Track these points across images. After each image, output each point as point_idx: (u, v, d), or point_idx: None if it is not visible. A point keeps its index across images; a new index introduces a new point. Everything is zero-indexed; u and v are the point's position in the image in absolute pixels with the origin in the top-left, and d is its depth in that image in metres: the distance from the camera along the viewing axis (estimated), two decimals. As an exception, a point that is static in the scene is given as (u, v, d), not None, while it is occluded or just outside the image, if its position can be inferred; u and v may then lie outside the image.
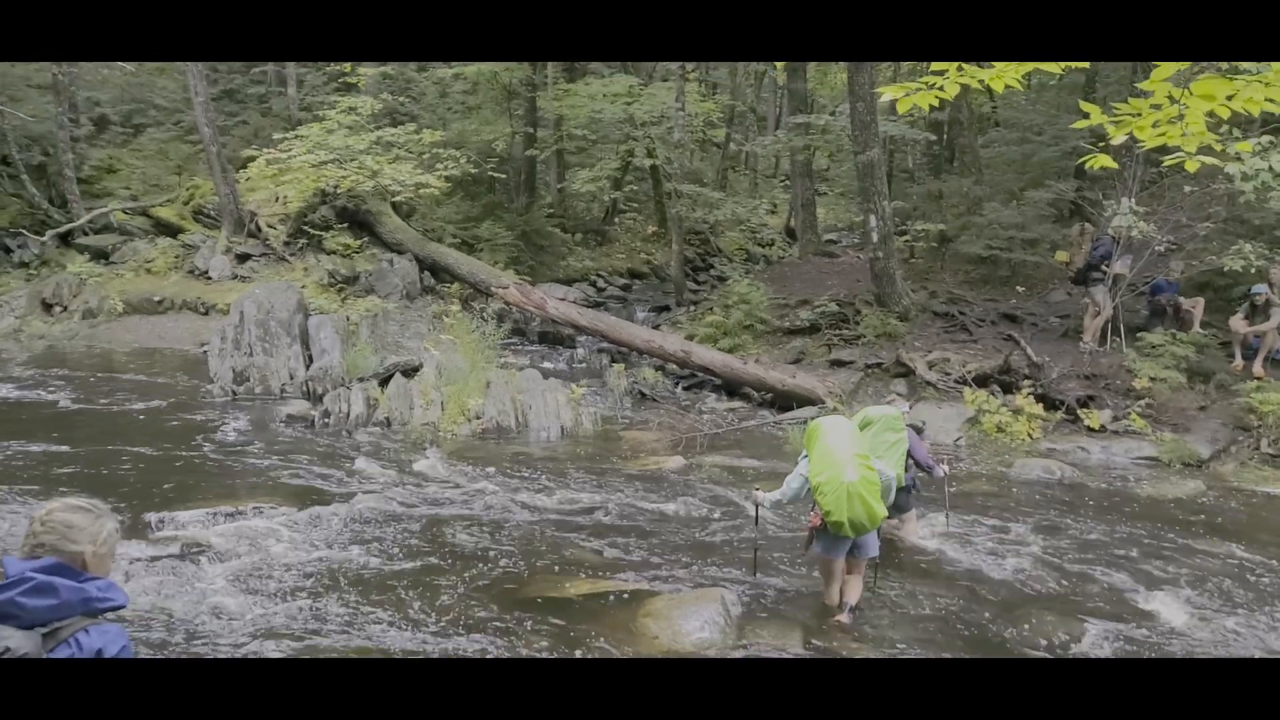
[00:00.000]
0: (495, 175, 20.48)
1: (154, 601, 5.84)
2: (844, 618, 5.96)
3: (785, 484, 6.00)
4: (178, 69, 22.01)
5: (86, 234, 19.02)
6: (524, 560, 6.85)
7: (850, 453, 5.68)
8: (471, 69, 20.74)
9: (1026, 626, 5.98)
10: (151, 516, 7.34)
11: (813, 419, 6.13)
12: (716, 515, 8.14)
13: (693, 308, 18.36)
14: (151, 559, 6.54)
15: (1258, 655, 5.70)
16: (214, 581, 6.22)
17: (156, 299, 17.39)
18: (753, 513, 6.67)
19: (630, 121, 21.47)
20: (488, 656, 5.30)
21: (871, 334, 14.36)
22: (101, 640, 2.45)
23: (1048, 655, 5.62)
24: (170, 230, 19.50)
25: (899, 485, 6.90)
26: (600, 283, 22.14)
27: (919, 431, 7.78)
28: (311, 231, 18.64)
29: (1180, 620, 6.18)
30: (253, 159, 18.30)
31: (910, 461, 7.26)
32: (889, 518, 7.38)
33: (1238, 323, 12.19)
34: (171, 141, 22.65)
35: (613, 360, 15.31)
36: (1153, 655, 5.62)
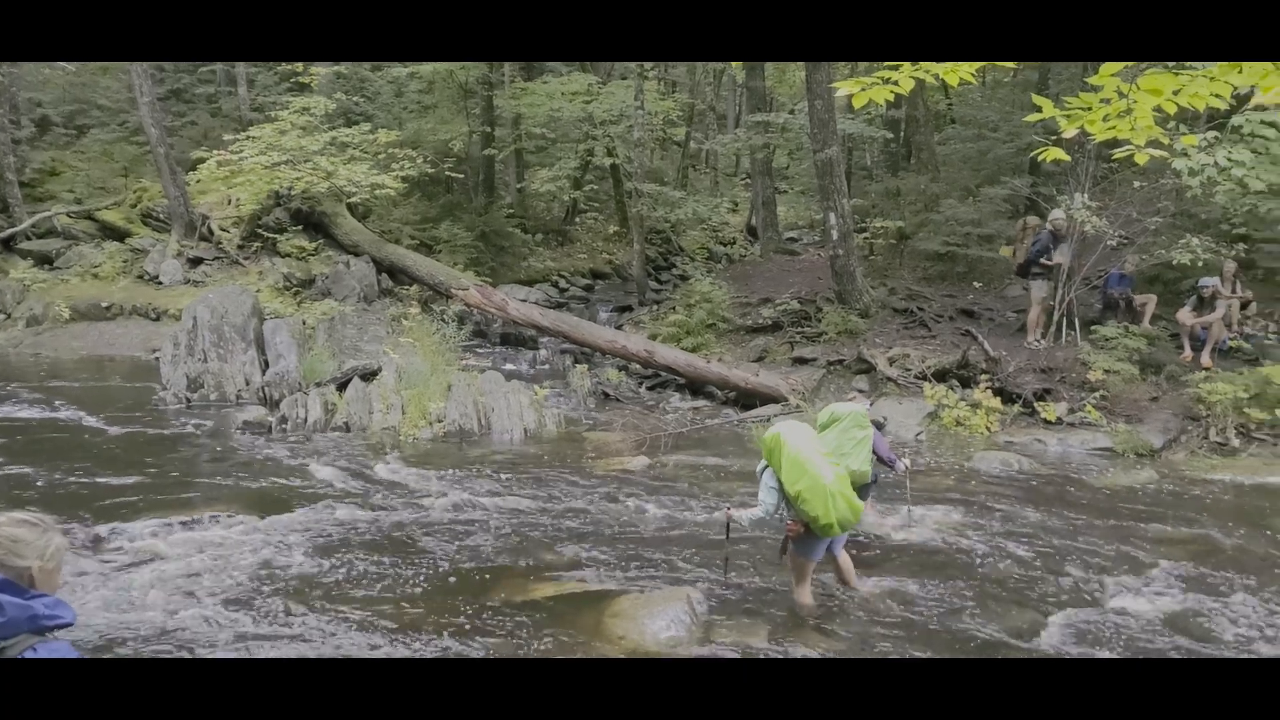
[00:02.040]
0: (453, 175, 20.37)
1: (106, 616, 5.72)
2: (865, 588, 6.43)
3: (760, 501, 5.88)
4: (121, 68, 21.63)
5: (29, 239, 18.64)
6: (488, 563, 6.81)
7: (820, 455, 5.74)
8: (427, 68, 20.59)
9: (989, 617, 6.04)
10: (102, 529, 7.18)
11: (770, 423, 6.07)
12: (681, 515, 8.14)
13: (655, 307, 18.37)
14: (102, 573, 6.41)
15: (1211, 640, 5.79)
16: (169, 593, 6.11)
17: (105, 305, 17.08)
18: (724, 525, 6.40)
19: (589, 120, 21.43)
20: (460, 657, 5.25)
21: (833, 331, 14.46)
22: (51, 658, 2.39)
23: (1039, 653, 5.67)
24: (117, 234, 19.16)
25: (865, 480, 6.95)
26: (562, 283, 22.08)
27: (880, 428, 7.85)
28: (265, 234, 18.43)
29: (1137, 607, 6.27)
30: (203, 160, 18.01)
31: (874, 457, 7.30)
32: None
33: (1185, 315, 12.43)
34: (117, 143, 22.25)
35: (576, 361, 15.27)
36: (1116, 643, 5.69)
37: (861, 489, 7.10)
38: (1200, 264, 12.14)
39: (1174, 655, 5.56)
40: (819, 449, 5.80)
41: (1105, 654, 5.55)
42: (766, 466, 5.89)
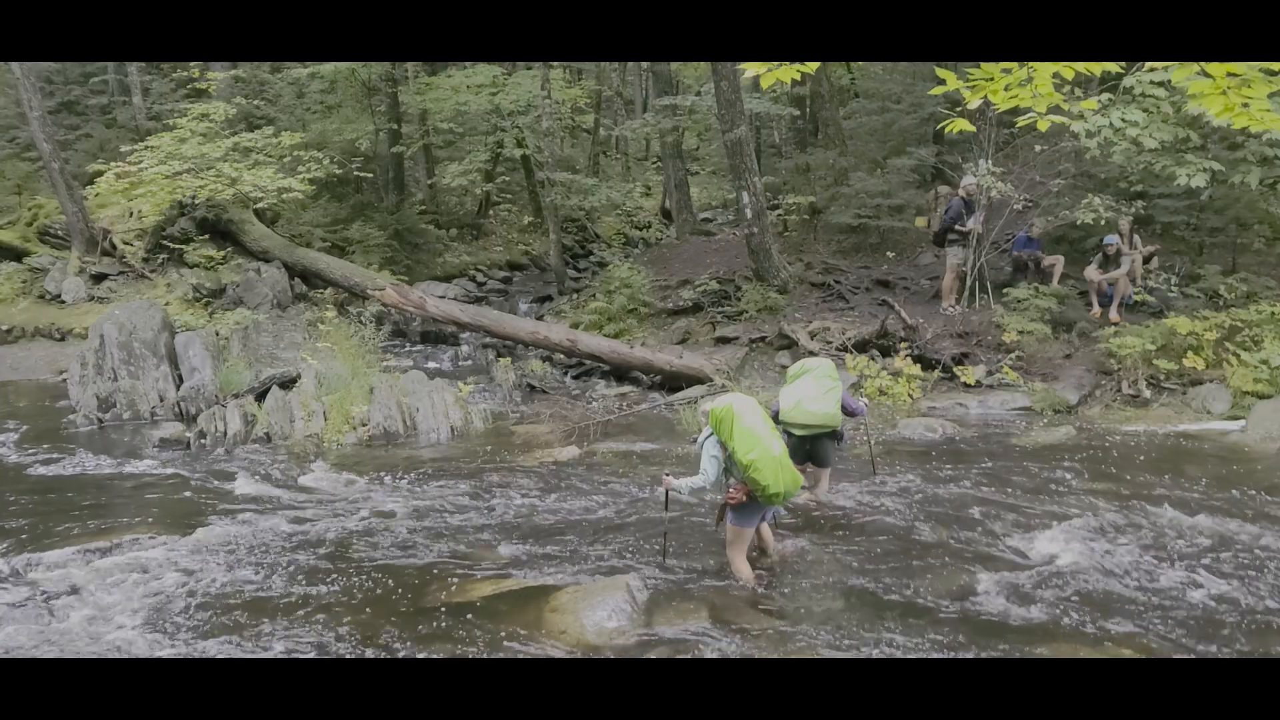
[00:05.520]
0: (361, 175, 20.02)
1: (24, 649, 5.51)
2: (783, 557, 6.62)
3: (702, 470, 6.05)
4: (8, 82, 20.76)
5: (-80, 264, 17.84)
6: (423, 566, 6.72)
7: (769, 428, 5.99)
8: (328, 67, 20.17)
9: (925, 580, 6.15)
10: (17, 561, 6.90)
11: (710, 400, 6.24)
12: (614, 503, 8.13)
13: (575, 296, 18.33)
14: (19, 603, 6.16)
15: (1145, 590, 5.99)
16: (92, 620, 5.90)
17: (5, 328, 16.46)
18: (662, 497, 6.63)
19: (497, 112, 21.24)
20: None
21: (753, 309, 14.58)
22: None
23: (976, 612, 5.79)
24: (14, 254, 18.44)
25: (836, 424, 7.48)
26: (480, 277, 21.91)
27: None
28: (171, 245, 17.89)
29: (1066, 560, 6.45)
30: (100, 173, 17.39)
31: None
32: (804, 469, 7.58)
33: (1092, 272, 12.81)
34: (8, 160, 21.42)
35: (498, 355, 15.17)
36: (1046, 598, 5.85)
37: (826, 441, 7.62)
38: (1103, 222, 12.52)
39: (1116, 612, 5.74)
40: (767, 423, 6.02)
41: (1037, 609, 5.70)
42: (710, 437, 6.06)
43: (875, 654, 5.20)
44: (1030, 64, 3.59)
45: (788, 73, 3.62)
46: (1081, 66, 3.53)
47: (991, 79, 3.72)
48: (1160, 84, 11.00)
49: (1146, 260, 13.32)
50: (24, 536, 7.48)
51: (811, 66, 3.66)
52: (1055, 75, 3.76)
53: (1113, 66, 3.58)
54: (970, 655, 5.14)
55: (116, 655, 5.40)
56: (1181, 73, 3.50)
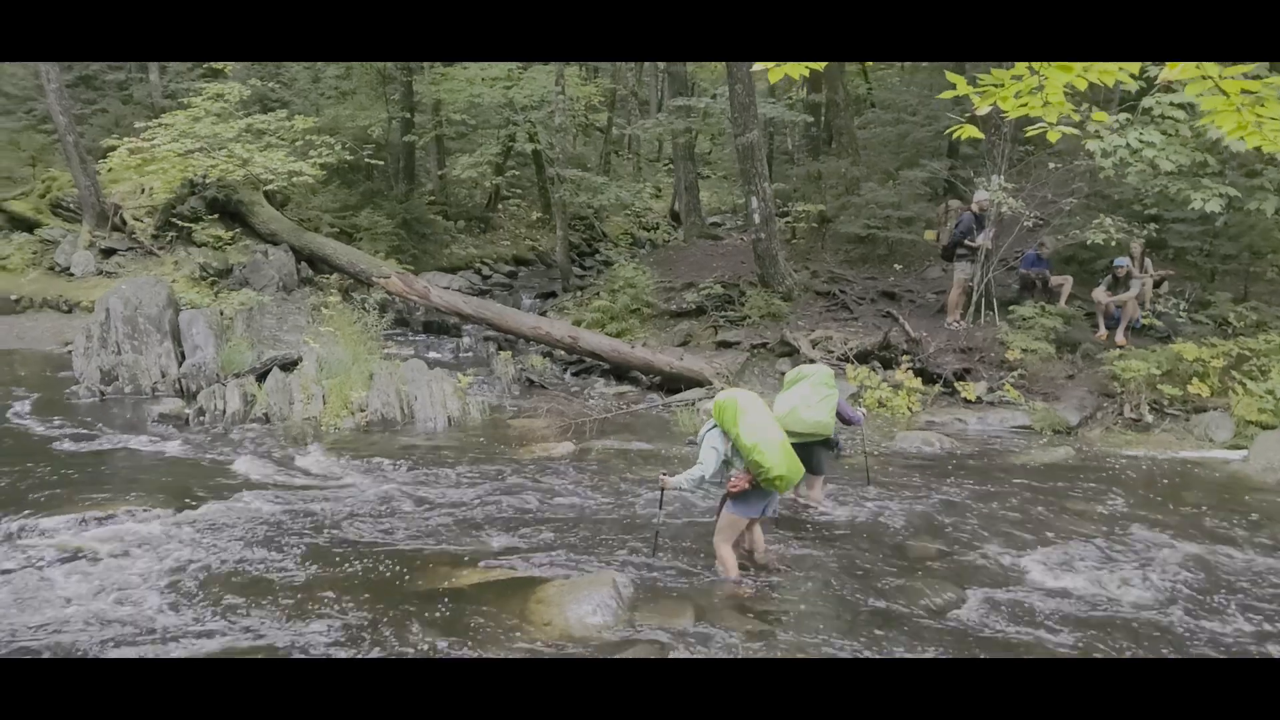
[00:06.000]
0: (373, 162, 20.04)
1: (22, 615, 5.48)
2: (772, 561, 6.58)
3: (701, 461, 6.10)
4: (27, 54, 20.79)
5: (-69, 231, 17.88)
6: (413, 553, 6.69)
7: (771, 420, 6.16)
8: (345, 53, 20.19)
9: (911, 594, 6.11)
10: (13, 525, 6.91)
11: (696, 406, 6.28)
12: (606, 499, 8.11)
13: (579, 293, 18.32)
14: (15, 569, 6.14)
15: (1132, 614, 5.94)
16: (85, 589, 5.88)
17: (14, 298, 16.50)
18: (658, 494, 6.61)
19: (510, 106, 21.24)
20: (394, 656, 5.15)
21: (756, 314, 14.55)
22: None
23: (959, 626, 5.75)
24: (26, 225, 18.47)
25: (827, 433, 7.42)
26: (485, 270, 21.92)
27: None
28: (180, 223, 17.91)
29: (1055, 582, 6.40)
30: (114, 149, 17.41)
31: (836, 421, 7.56)
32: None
33: (1100, 294, 12.75)
34: (24, 131, 21.47)
35: (499, 348, 15.15)
36: (1033, 619, 5.81)
37: (821, 449, 7.56)
38: (1114, 244, 12.45)
39: (1098, 628, 5.70)
40: (770, 416, 6.17)
41: (1023, 629, 5.66)
42: (712, 429, 6.15)
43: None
44: (1041, 72, 3.55)
45: (796, 68, 3.59)
46: (1095, 73, 3.49)
47: (1002, 85, 3.69)
48: (1180, 105, 10.94)
49: (1157, 285, 13.26)
50: (22, 502, 7.48)
51: (822, 65, 3.64)
52: (1068, 86, 3.72)
53: (1126, 80, 3.55)
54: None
55: (101, 629, 5.38)
56: (1195, 88, 3.46)
